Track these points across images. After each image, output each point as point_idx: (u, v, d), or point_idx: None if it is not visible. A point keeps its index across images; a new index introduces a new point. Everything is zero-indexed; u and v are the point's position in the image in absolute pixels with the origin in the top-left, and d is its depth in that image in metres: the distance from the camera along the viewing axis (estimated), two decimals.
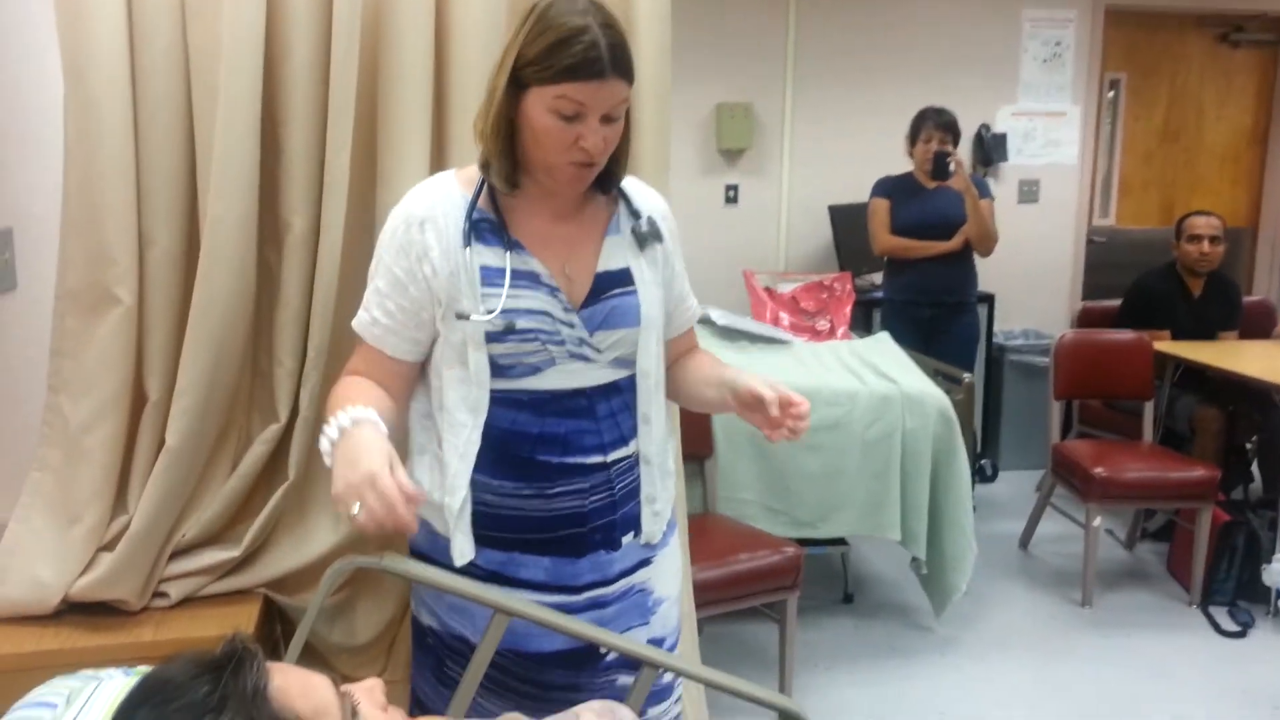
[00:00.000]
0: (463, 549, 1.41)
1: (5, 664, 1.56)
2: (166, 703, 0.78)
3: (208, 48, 1.64)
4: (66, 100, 1.63)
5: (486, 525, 1.41)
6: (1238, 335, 4.07)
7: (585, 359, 1.39)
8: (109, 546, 1.67)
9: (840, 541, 3.24)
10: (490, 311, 1.33)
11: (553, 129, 1.28)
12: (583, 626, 1.38)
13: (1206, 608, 3.32)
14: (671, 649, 1.59)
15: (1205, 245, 3.89)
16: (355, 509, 1.17)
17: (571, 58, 1.24)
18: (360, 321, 1.43)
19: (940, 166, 3.71)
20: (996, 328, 4.75)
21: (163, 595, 1.73)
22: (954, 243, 3.84)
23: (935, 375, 3.30)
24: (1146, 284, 4.10)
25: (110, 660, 1.38)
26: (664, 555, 1.54)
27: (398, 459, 1.23)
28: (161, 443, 1.67)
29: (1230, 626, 3.21)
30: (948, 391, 3.08)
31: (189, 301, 1.68)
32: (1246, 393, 3.64)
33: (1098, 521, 3.38)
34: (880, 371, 3.17)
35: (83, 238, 1.65)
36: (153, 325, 1.71)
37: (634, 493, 1.47)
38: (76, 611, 1.67)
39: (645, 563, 1.50)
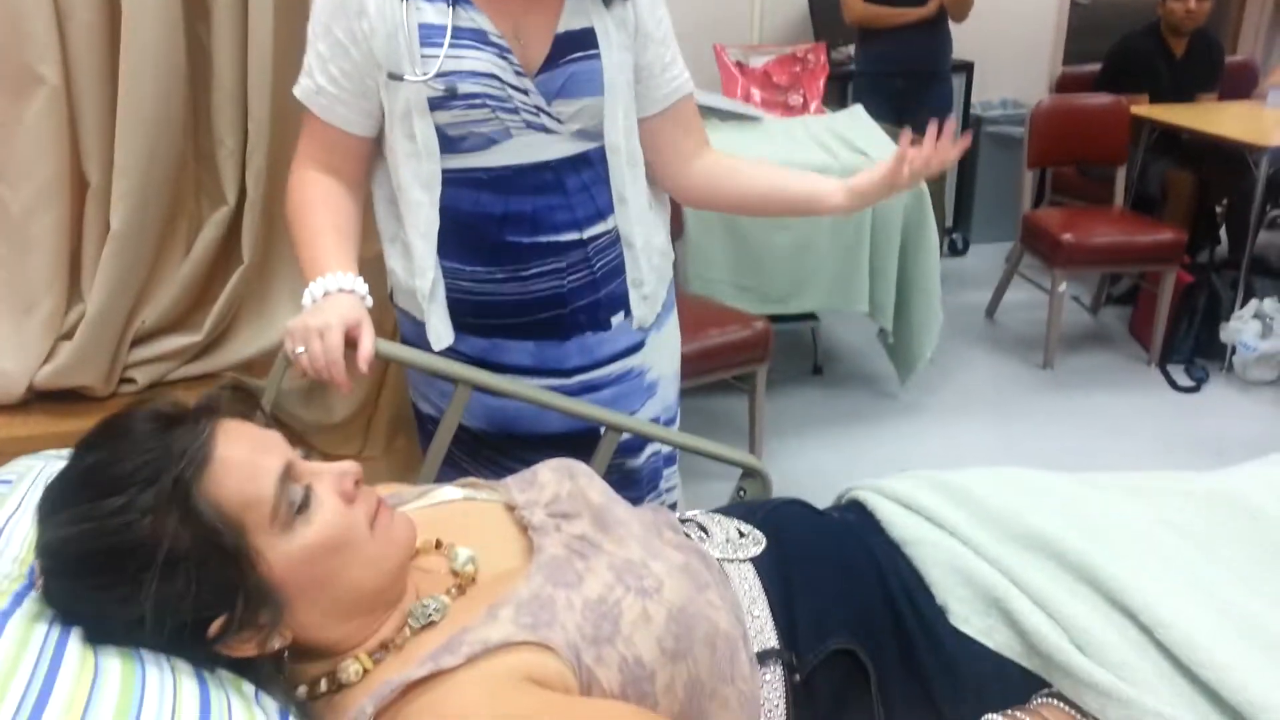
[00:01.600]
0: (440, 333, 1.37)
1: None
2: (115, 459, 0.79)
3: None
4: None
5: (465, 312, 1.37)
6: (1218, 97, 3.99)
7: (545, 130, 1.29)
8: (68, 335, 1.67)
9: (810, 316, 3.28)
10: (426, 74, 1.22)
11: None
12: (542, 394, 1.38)
13: (1164, 366, 3.42)
14: (670, 424, 1.59)
15: (1191, 2, 3.74)
16: (300, 350, 1.18)
17: None
18: (304, 90, 1.31)
19: None
20: (974, 98, 4.62)
21: (130, 381, 1.75)
22: (928, 8, 3.67)
23: None
24: (1127, 45, 3.97)
25: None
26: (659, 336, 1.50)
27: (369, 324, 1.22)
28: (108, 227, 1.64)
29: (1185, 382, 3.32)
30: None
31: (118, 79, 1.60)
32: (1220, 155, 3.60)
33: (1063, 287, 3.42)
34: (853, 146, 3.10)
35: None
36: (83, 106, 1.63)
37: (618, 270, 1.40)
38: (45, 400, 1.69)
39: (639, 345, 1.47)
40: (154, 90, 1.59)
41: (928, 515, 1.20)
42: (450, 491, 1.13)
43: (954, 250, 4.61)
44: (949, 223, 4.70)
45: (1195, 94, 3.93)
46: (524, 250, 1.33)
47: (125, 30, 1.55)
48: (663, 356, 1.53)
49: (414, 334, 1.42)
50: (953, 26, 3.80)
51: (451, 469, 1.47)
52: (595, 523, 1.00)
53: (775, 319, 2.84)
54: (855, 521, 1.24)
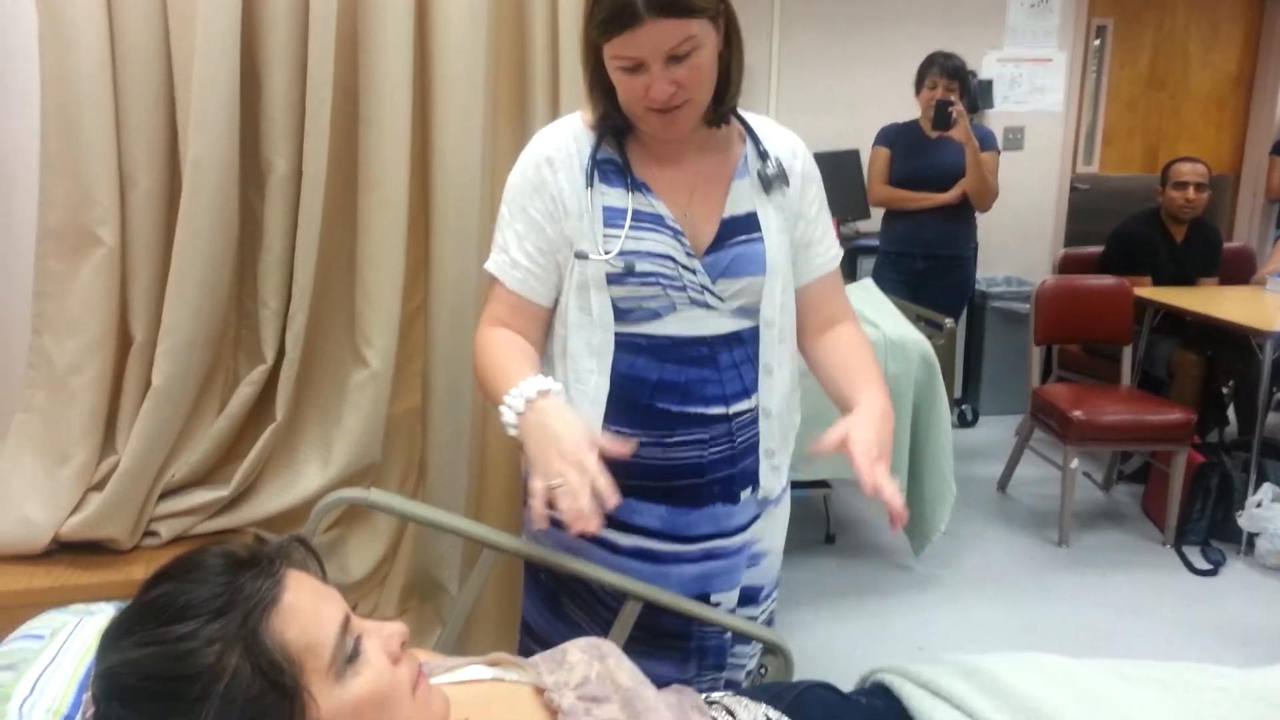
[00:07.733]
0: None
1: None
2: (185, 590, 0.81)
3: None
4: (41, 36, 1.61)
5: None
6: (1218, 281, 4.11)
7: (707, 306, 1.36)
8: (98, 486, 1.69)
9: (822, 484, 3.29)
10: (609, 252, 1.31)
11: (623, 83, 1.26)
12: (582, 565, 1.38)
13: (1180, 547, 3.39)
14: (768, 597, 1.59)
15: (1190, 192, 3.91)
16: (557, 482, 1.16)
17: (602, 12, 1.20)
18: (498, 265, 1.39)
19: (942, 116, 3.65)
20: (979, 274, 4.76)
21: (153, 534, 1.75)
22: (950, 195, 3.79)
23: (917, 321, 3.32)
24: (1129, 230, 4.12)
25: (102, 598, 1.41)
26: (776, 510, 1.53)
27: (594, 437, 1.22)
28: (148, 383, 1.68)
29: (1202, 565, 3.28)
30: (929, 337, 3.10)
31: (172, 243, 1.67)
32: (1225, 338, 3.68)
33: (1075, 463, 3.43)
34: (863, 317, 3.17)
35: (63, 178, 1.64)
36: (136, 266, 1.70)
37: (754, 447, 1.44)
38: (68, 551, 1.69)
39: (758, 518, 1.49)
40: (206, 254, 1.66)
41: (956, 703, 1.19)
42: (479, 670, 1.11)
43: (963, 422, 4.65)
44: (957, 394, 4.76)
45: (1196, 279, 4.05)
46: (671, 417, 1.37)
47: (185, 199, 1.64)
48: (775, 530, 1.55)
49: None
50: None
51: (561, 622, 1.48)
52: (625, 707, 1.00)
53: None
54: (883, 708, 1.22)
